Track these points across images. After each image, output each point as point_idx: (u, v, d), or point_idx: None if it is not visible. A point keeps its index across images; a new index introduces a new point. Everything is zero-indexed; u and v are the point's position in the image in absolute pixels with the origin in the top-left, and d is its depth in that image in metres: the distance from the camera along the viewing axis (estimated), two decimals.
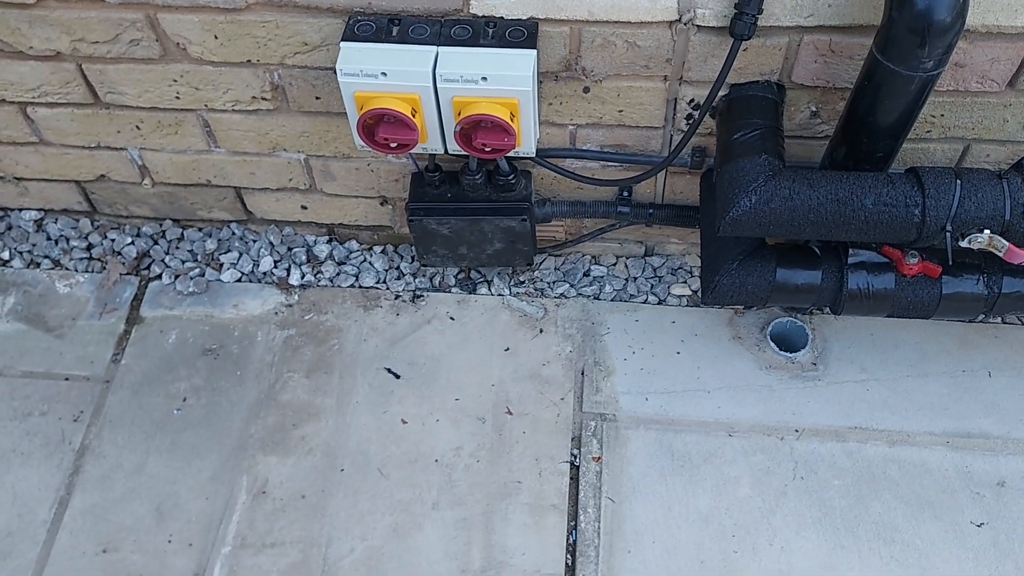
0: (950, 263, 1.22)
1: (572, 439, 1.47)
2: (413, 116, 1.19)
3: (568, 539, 1.37)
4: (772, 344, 1.54)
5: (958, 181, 1.16)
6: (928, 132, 1.33)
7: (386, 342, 1.58)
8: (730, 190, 1.20)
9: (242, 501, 1.43)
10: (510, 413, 1.49)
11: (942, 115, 1.30)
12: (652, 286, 1.64)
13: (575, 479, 1.43)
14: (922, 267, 1.29)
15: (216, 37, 1.29)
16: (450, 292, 1.64)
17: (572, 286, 1.63)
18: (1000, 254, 1.17)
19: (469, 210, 1.43)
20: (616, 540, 1.37)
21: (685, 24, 1.19)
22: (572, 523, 1.39)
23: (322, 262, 1.67)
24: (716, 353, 1.55)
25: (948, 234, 1.16)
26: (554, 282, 1.64)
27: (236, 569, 1.37)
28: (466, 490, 1.43)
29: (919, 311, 1.33)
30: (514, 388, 1.52)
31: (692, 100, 1.31)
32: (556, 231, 1.61)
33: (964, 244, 1.18)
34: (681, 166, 1.43)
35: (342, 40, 1.20)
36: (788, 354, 1.53)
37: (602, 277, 1.64)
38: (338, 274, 1.65)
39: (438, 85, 1.17)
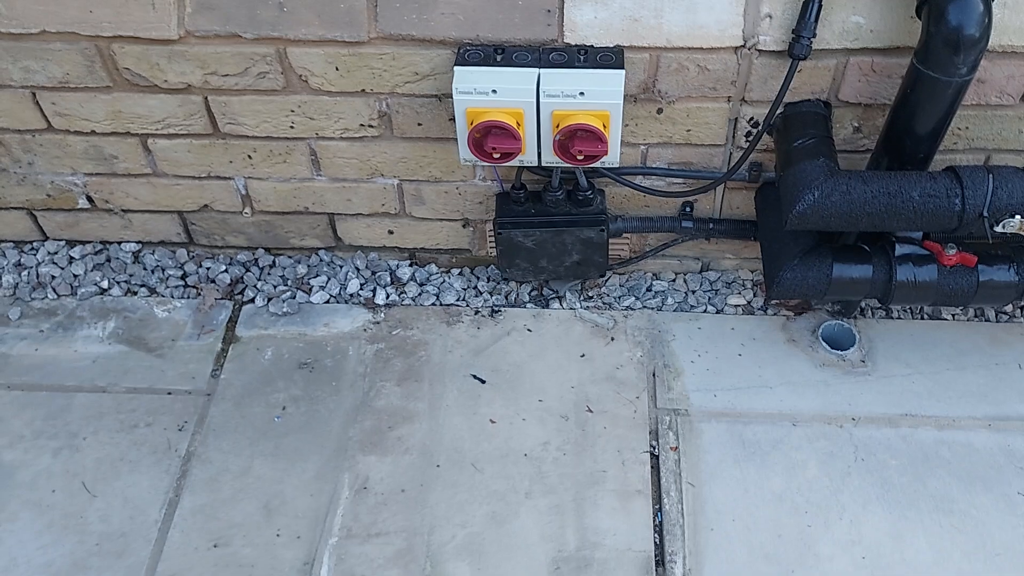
0: (991, 242, 1.37)
1: (650, 432, 1.57)
2: (518, 128, 1.35)
3: (655, 520, 1.46)
4: (824, 344, 1.68)
5: (990, 175, 1.33)
6: (955, 144, 1.51)
7: (470, 352, 1.70)
8: (795, 189, 1.37)
9: (345, 496, 1.50)
10: (590, 411, 1.60)
11: (967, 127, 1.48)
12: (710, 298, 1.78)
13: (656, 467, 1.53)
14: (960, 258, 1.45)
15: (337, 69, 1.46)
16: (525, 307, 1.77)
17: (637, 298, 1.77)
18: None
19: (552, 223, 1.58)
20: (699, 520, 1.46)
21: (749, 49, 1.39)
22: (657, 506, 1.48)
23: (405, 283, 1.79)
24: (774, 354, 1.68)
25: (985, 220, 1.33)
26: (620, 296, 1.78)
27: (344, 557, 1.43)
28: (556, 480, 1.52)
29: (959, 299, 1.48)
30: (592, 389, 1.63)
31: (751, 118, 1.49)
32: (621, 250, 1.76)
33: (999, 229, 1.34)
34: (739, 180, 1.59)
35: (455, 65, 1.37)
36: (839, 353, 1.67)
37: (664, 291, 1.78)
38: (420, 294, 1.78)
39: (541, 100, 1.34)
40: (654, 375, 1.65)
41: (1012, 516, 1.45)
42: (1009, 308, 1.74)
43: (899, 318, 1.74)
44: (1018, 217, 1.33)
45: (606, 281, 1.80)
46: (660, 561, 1.41)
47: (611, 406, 1.61)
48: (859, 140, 1.52)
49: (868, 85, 1.42)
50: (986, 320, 1.73)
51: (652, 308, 1.76)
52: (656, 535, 1.45)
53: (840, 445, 1.55)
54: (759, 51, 1.39)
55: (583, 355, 1.69)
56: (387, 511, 1.49)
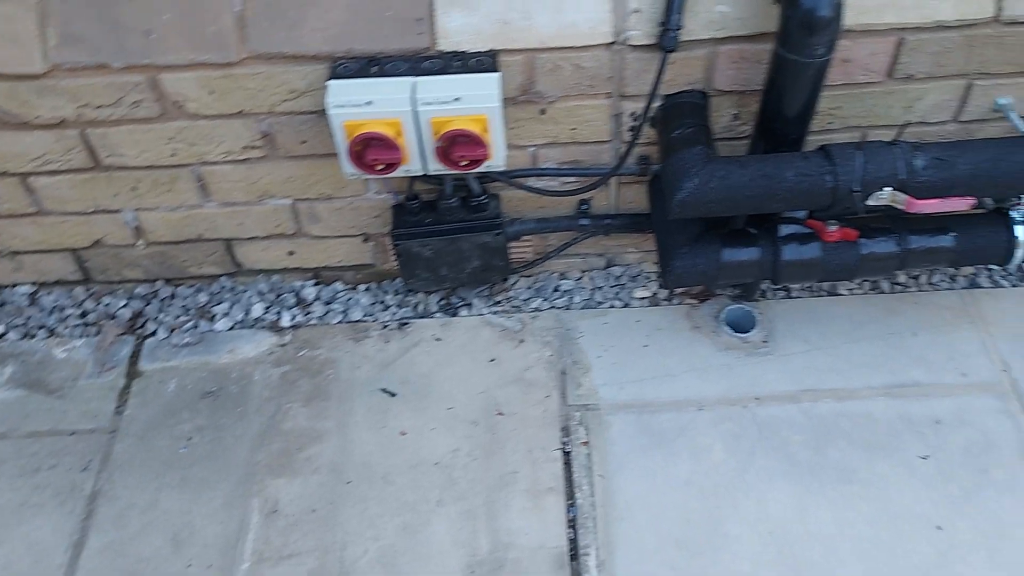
0: (863, 215, 1.42)
1: (561, 429, 1.58)
2: (396, 138, 1.35)
3: (567, 515, 1.46)
4: (727, 328, 1.71)
5: (860, 151, 1.37)
6: (830, 123, 1.55)
7: (378, 367, 1.68)
8: (675, 177, 1.39)
9: (255, 521, 1.48)
10: (501, 414, 1.60)
11: (840, 107, 1.52)
12: (616, 292, 1.79)
13: (567, 463, 1.53)
14: (842, 234, 1.48)
15: (211, 92, 1.44)
16: (433, 317, 1.76)
17: (545, 299, 1.77)
18: (902, 207, 1.38)
19: (448, 231, 1.58)
20: (610, 511, 1.47)
21: (620, 44, 1.40)
22: (569, 501, 1.48)
23: (310, 304, 1.77)
24: (679, 343, 1.70)
25: (857, 194, 1.36)
26: (528, 299, 1.78)
27: None
28: (467, 486, 1.51)
29: (844, 273, 1.52)
30: (502, 392, 1.63)
31: (633, 113, 1.51)
32: (525, 252, 1.76)
33: (872, 202, 1.38)
34: (630, 175, 1.61)
35: (329, 79, 1.36)
36: (741, 335, 1.70)
37: (570, 290, 1.79)
38: (327, 313, 1.76)
39: (417, 108, 1.34)
40: (563, 373, 1.66)
41: (911, 480, 1.49)
42: (903, 278, 1.79)
43: (799, 297, 1.77)
44: (888, 189, 1.37)
45: (513, 285, 1.80)
46: (574, 555, 1.42)
47: (521, 407, 1.61)
48: (739, 127, 1.55)
49: (740, 72, 1.46)
50: (881, 292, 1.77)
51: (560, 308, 1.77)
52: (569, 530, 1.45)
53: (744, 426, 1.57)
54: (630, 46, 1.41)
55: (492, 360, 1.68)
56: (298, 532, 1.46)
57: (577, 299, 1.77)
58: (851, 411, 1.58)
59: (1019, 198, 1.47)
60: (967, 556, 1.40)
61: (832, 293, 1.78)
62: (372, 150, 1.36)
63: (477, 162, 1.39)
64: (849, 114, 1.53)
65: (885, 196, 1.37)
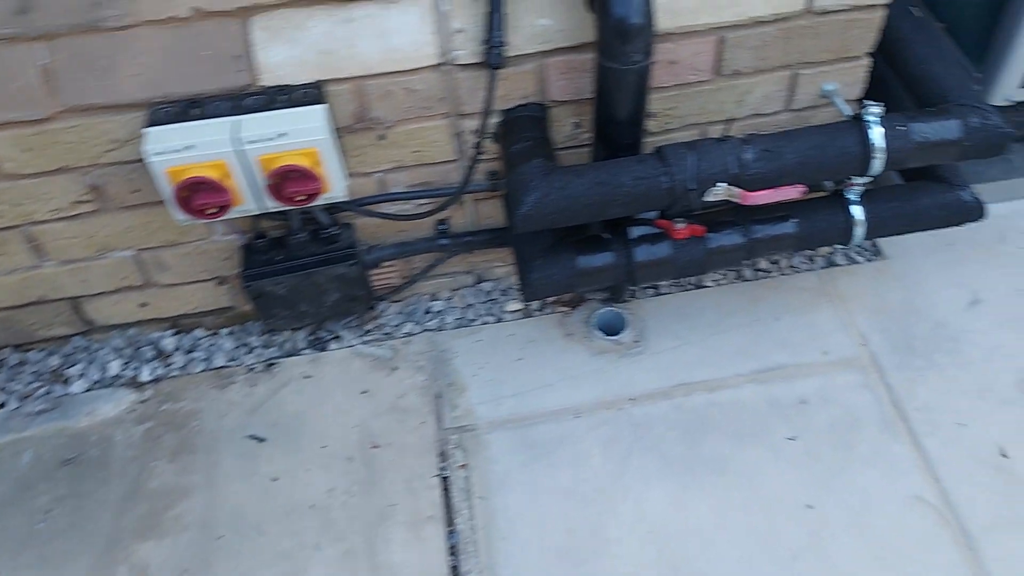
0: (697, 213, 1.46)
1: (438, 455, 1.57)
2: (223, 180, 1.32)
3: (448, 543, 1.45)
4: (599, 333, 1.73)
5: (692, 150, 1.41)
6: (669, 124, 1.59)
7: (246, 412, 1.64)
8: (516, 192, 1.40)
9: None
10: (377, 447, 1.58)
11: (675, 107, 1.56)
12: (489, 308, 1.79)
13: (446, 489, 1.52)
14: (690, 230, 1.52)
15: (28, 150, 1.37)
16: (302, 354, 1.73)
17: (417, 323, 1.76)
18: (738, 200, 1.42)
19: (300, 266, 1.55)
20: (492, 532, 1.46)
21: (448, 65, 1.41)
22: (450, 528, 1.47)
23: (171, 355, 1.72)
24: (553, 352, 1.72)
25: (692, 192, 1.40)
26: (399, 324, 1.77)
27: None
28: (346, 525, 1.48)
29: (696, 268, 1.55)
30: (376, 424, 1.61)
31: (474, 130, 1.51)
32: (390, 277, 1.75)
33: (709, 199, 1.42)
34: (483, 191, 1.62)
35: (145, 127, 1.32)
36: (613, 338, 1.72)
37: (442, 311, 1.79)
38: (189, 362, 1.71)
39: (242, 148, 1.31)
40: (438, 397, 1.65)
41: (780, 462, 1.53)
42: (765, 264, 1.84)
43: (667, 293, 1.81)
44: (722, 184, 1.41)
45: (383, 311, 1.78)
46: None
47: (397, 437, 1.59)
48: (581, 134, 1.57)
49: (572, 82, 1.48)
50: (745, 280, 1.83)
51: (432, 330, 1.76)
52: (451, 557, 1.44)
53: (620, 428, 1.59)
54: (458, 65, 1.41)
55: (365, 391, 1.66)
56: None
57: (449, 319, 1.77)
58: (722, 401, 1.62)
59: (851, 179, 1.54)
60: (837, 532, 1.45)
61: (699, 286, 1.82)
62: (200, 195, 1.32)
63: (313, 196, 1.37)
64: (685, 113, 1.57)
65: (720, 191, 1.41)
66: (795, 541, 1.44)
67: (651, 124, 1.57)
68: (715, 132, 1.62)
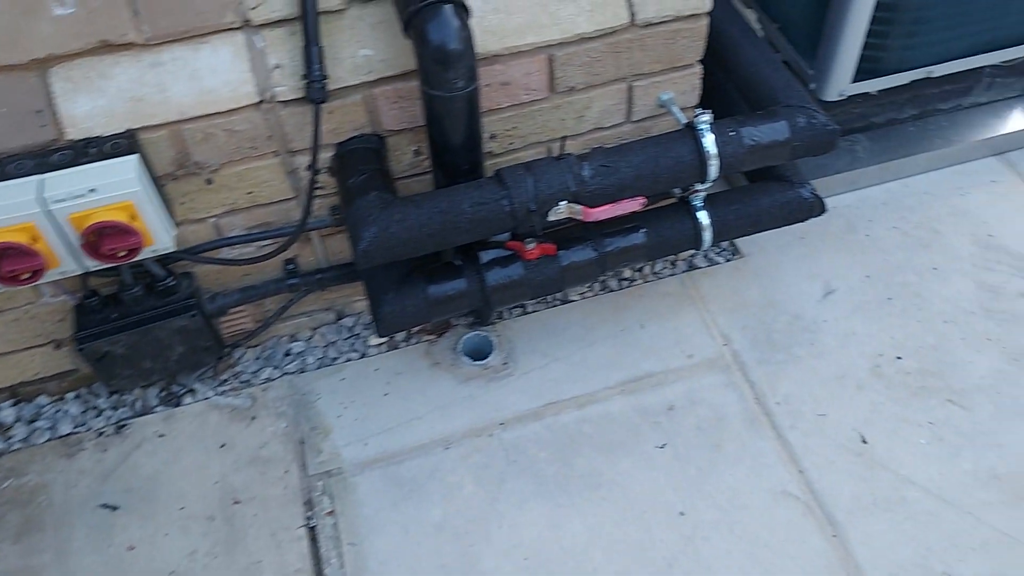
0: (540, 233, 1.47)
1: (304, 504, 1.52)
2: (34, 243, 1.25)
3: None
4: (466, 359, 1.71)
5: (530, 172, 1.41)
6: (512, 144, 1.59)
7: (97, 480, 1.56)
8: (355, 228, 1.37)
9: None
10: (238, 503, 1.52)
11: (515, 127, 1.56)
12: (352, 344, 1.76)
13: (314, 539, 1.48)
14: (541, 249, 1.52)
15: None
16: (155, 412, 1.65)
17: (276, 367, 1.71)
18: (581, 217, 1.43)
19: (136, 322, 1.48)
20: None
21: (269, 103, 1.37)
22: None
23: (10, 427, 1.62)
24: (420, 383, 1.69)
25: (534, 213, 1.40)
26: (257, 370, 1.71)
27: None
28: None
29: (552, 286, 1.56)
30: (237, 478, 1.56)
31: (308, 166, 1.48)
32: (243, 322, 1.69)
33: (553, 218, 1.42)
34: (327, 227, 1.58)
35: None
36: (480, 363, 1.71)
37: (302, 351, 1.74)
38: (32, 433, 1.61)
39: (49, 208, 1.24)
40: (302, 443, 1.61)
41: (652, 471, 1.55)
42: (629, 273, 1.87)
43: (534, 311, 1.81)
44: (563, 203, 1.41)
45: (240, 358, 1.72)
46: None
47: (260, 490, 1.54)
48: (422, 162, 1.55)
49: (405, 111, 1.46)
50: (611, 291, 1.84)
51: (293, 373, 1.71)
52: None
53: (492, 454, 1.58)
54: (280, 102, 1.37)
55: (223, 445, 1.60)
56: None
57: (311, 359, 1.72)
58: (592, 416, 1.63)
59: (694, 186, 1.57)
60: (709, 535, 1.47)
61: (565, 300, 1.83)
62: (7, 260, 1.24)
63: (135, 251, 1.31)
64: (527, 132, 1.58)
65: (562, 210, 1.42)
66: (670, 549, 1.46)
67: (493, 145, 1.57)
68: (559, 149, 1.63)
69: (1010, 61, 1.98)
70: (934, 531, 1.45)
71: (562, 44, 1.46)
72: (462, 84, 1.31)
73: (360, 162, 1.44)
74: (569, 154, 1.44)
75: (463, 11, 1.29)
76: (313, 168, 1.41)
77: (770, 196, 1.62)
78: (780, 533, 1.47)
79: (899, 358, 1.68)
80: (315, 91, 1.33)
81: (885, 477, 1.52)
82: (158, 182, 1.39)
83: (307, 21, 1.30)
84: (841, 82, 1.78)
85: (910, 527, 1.46)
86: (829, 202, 1.97)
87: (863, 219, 1.93)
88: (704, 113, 1.47)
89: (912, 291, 1.79)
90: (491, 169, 1.59)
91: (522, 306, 1.81)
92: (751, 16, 1.99)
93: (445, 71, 1.28)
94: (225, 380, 1.69)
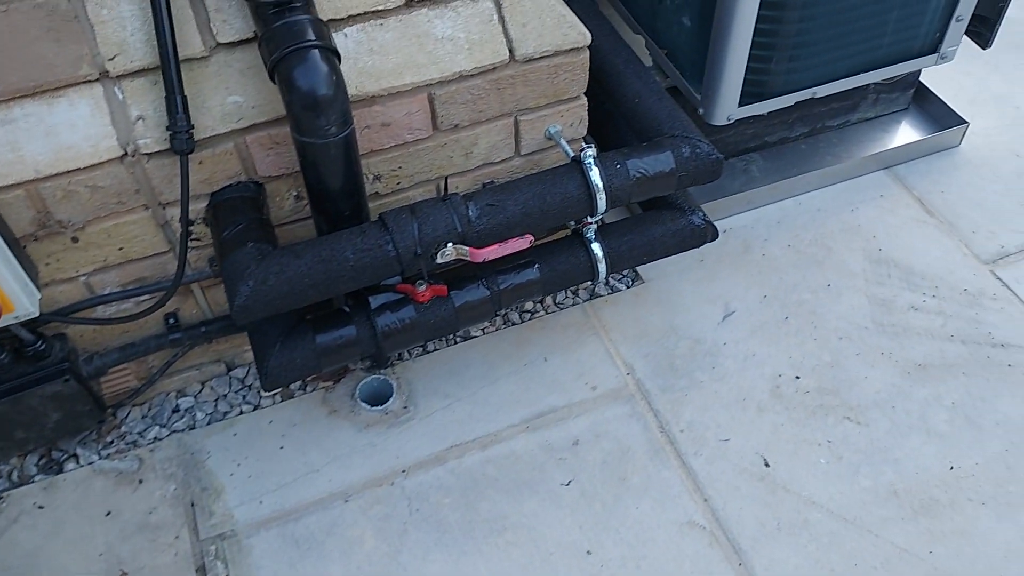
0: (427, 278, 1.45)
1: (196, 571, 1.46)
2: None
3: None
4: (364, 405, 1.68)
5: (413, 215, 1.39)
6: (399, 183, 1.57)
7: None
8: (231, 283, 1.32)
9: None
10: (126, 574, 1.45)
11: (400, 167, 1.54)
12: (244, 396, 1.70)
13: None
14: (432, 291, 1.50)
15: None
16: (34, 482, 1.57)
17: (163, 426, 1.64)
18: (469, 259, 1.41)
19: (4, 391, 1.40)
20: None
21: (133, 156, 1.31)
22: None
23: None
24: (318, 433, 1.65)
25: (421, 257, 1.38)
26: (144, 430, 1.64)
27: None
28: None
29: (446, 327, 1.54)
30: (124, 548, 1.48)
31: (180, 219, 1.42)
32: (126, 380, 1.62)
33: (440, 260, 1.40)
34: (208, 278, 1.53)
35: None
36: (379, 408, 1.67)
37: (192, 407, 1.68)
38: None
39: None
40: (192, 505, 1.54)
41: (558, 510, 1.54)
42: (530, 305, 1.86)
43: (435, 350, 1.79)
44: (450, 245, 1.40)
45: (125, 418, 1.65)
46: None
47: (149, 558, 1.47)
48: (305, 207, 1.52)
49: (281, 157, 1.42)
50: (513, 324, 1.83)
51: (182, 430, 1.64)
52: None
53: (394, 504, 1.55)
54: (145, 155, 1.32)
55: (109, 513, 1.53)
56: None
57: (200, 415, 1.66)
58: (496, 456, 1.61)
59: (586, 219, 1.57)
60: (617, 572, 1.46)
61: (467, 337, 1.81)
62: None
63: None
64: (414, 171, 1.56)
65: (450, 252, 1.40)
66: None
67: (379, 186, 1.55)
68: (452, 184, 1.62)
69: (892, 78, 2.05)
70: (836, 552, 1.48)
71: (442, 83, 1.45)
72: (335, 130, 1.28)
73: (236, 212, 1.40)
74: (455, 194, 1.43)
75: (332, 55, 1.26)
76: (185, 221, 1.36)
77: (663, 225, 1.63)
78: (687, 566, 1.47)
79: (797, 377, 1.72)
80: (180, 142, 1.29)
81: (788, 500, 1.55)
82: (18, 244, 1.32)
83: (168, 70, 1.26)
84: (728, 107, 1.81)
85: (814, 550, 1.48)
86: (726, 223, 2.01)
87: (759, 238, 1.97)
88: (589, 147, 1.47)
89: (808, 309, 1.83)
90: (377, 211, 1.57)
91: (422, 345, 1.79)
92: (640, 41, 2.01)
93: (316, 117, 1.25)
94: (110, 442, 1.62)
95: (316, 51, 1.24)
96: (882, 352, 1.75)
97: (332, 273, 1.35)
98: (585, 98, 1.60)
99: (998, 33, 1.97)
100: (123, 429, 1.63)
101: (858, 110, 2.17)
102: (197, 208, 1.42)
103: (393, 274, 1.40)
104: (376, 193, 1.55)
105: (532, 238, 1.46)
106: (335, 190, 1.37)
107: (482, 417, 1.67)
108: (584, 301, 1.87)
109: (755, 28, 1.70)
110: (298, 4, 1.26)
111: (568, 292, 1.88)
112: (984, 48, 2.02)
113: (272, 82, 1.28)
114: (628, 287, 1.89)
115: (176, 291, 1.46)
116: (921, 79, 2.19)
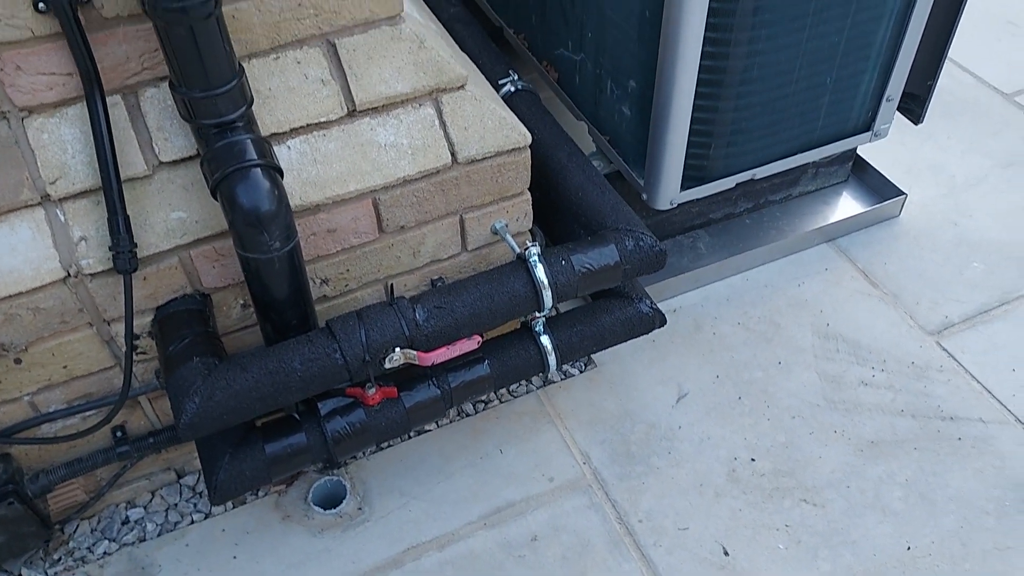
0: (376, 381, 1.48)
1: None
2: None
3: None
4: (317, 508, 1.69)
5: (360, 321, 1.42)
6: (348, 285, 1.61)
7: None
8: (176, 400, 1.34)
9: None
10: None
11: (348, 270, 1.58)
12: (195, 504, 1.70)
13: None
14: (382, 393, 1.53)
15: None
16: None
17: (113, 540, 1.63)
18: (417, 363, 1.45)
19: None
20: None
21: (76, 277, 1.34)
22: None
23: None
24: (271, 541, 1.65)
25: (369, 363, 1.41)
26: (93, 544, 1.63)
27: None
28: None
29: (397, 429, 1.56)
30: None
31: (126, 334, 1.44)
32: (73, 495, 1.61)
33: (389, 366, 1.44)
34: (154, 390, 1.54)
35: None
36: (333, 511, 1.68)
37: (141, 518, 1.67)
38: None
39: None
40: None
41: None
42: (486, 397, 1.89)
43: (389, 446, 1.81)
44: (398, 350, 1.43)
45: (74, 532, 1.64)
46: None
47: None
48: (251, 315, 1.55)
49: (226, 268, 1.46)
50: (467, 415, 1.86)
51: (132, 543, 1.64)
52: None
53: None
54: (89, 275, 1.35)
55: None
56: None
57: (151, 526, 1.66)
58: (455, 556, 1.63)
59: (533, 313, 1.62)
60: None
61: (421, 431, 1.84)
62: None
63: None
64: (361, 273, 1.60)
65: (398, 357, 1.43)
66: None
67: (327, 289, 1.58)
68: (400, 284, 1.66)
69: (829, 156, 2.16)
70: None
71: (386, 188, 1.50)
72: (279, 245, 1.32)
73: (181, 326, 1.42)
74: (402, 297, 1.47)
75: (274, 172, 1.31)
76: (129, 339, 1.38)
77: (611, 314, 1.69)
78: None
79: (753, 459, 1.76)
80: (123, 262, 1.31)
81: None
82: None
83: (110, 193, 1.29)
84: (670, 192, 1.89)
85: None
86: (676, 301, 2.08)
87: (709, 317, 2.04)
88: (534, 245, 1.53)
89: (760, 388, 1.88)
90: (326, 313, 1.61)
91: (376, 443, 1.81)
92: (584, 127, 2.10)
93: (259, 234, 1.29)
94: (57, 560, 1.60)
95: (258, 169, 1.28)
96: (835, 430, 1.80)
97: (280, 385, 1.38)
98: (529, 193, 1.67)
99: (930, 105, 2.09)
100: (71, 545, 1.62)
101: (799, 184, 2.27)
102: (142, 322, 1.45)
103: (342, 382, 1.43)
104: (324, 296, 1.59)
105: (480, 339, 1.50)
106: (281, 301, 1.40)
107: (439, 515, 1.68)
108: (538, 388, 1.91)
109: (692, 117, 1.79)
110: (239, 124, 1.30)
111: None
112: (916, 124, 2.14)
113: (215, 199, 1.32)
114: (581, 371, 1.94)
115: (122, 407, 1.47)
116: (859, 152, 2.31)
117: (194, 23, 1.18)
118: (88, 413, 1.51)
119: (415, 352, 1.44)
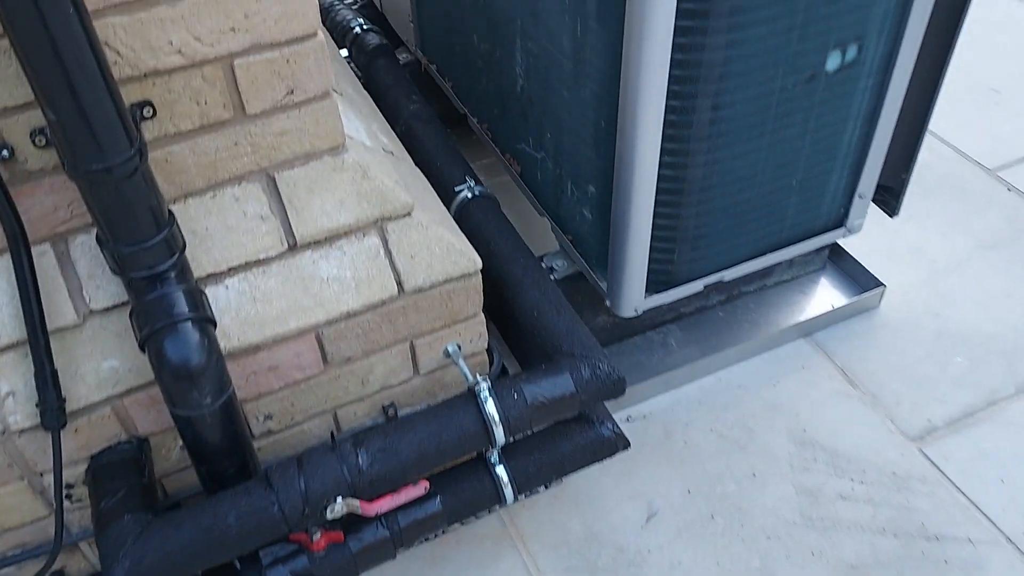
0: (317, 537, 1.45)
1: None
2: None
3: None
4: None
5: (300, 468, 1.39)
6: (294, 418, 1.58)
7: None
8: (106, 562, 1.31)
9: None
10: None
11: (293, 404, 1.56)
12: None
13: None
14: (327, 538, 1.49)
15: None
16: None
17: None
18: (360, 512, 1.42)
19: None
20: None
21: (3, 434, 1.32)
22: None
23: None
24: None
25: (308, 515, 1.38)
26: None
27: None
28: None
29: (347, 573, 1.52)
30: None
31: (57, 486, 1.42)
32: None
33: (331, 516, 1.40)
34: (92, 536, 1.51)
35: None
36: None
37: None
38: None
39: None
40: None
41: None
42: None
43: None
44: (339, 499, 1.40)
45: None
46: None
47: None
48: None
49: (162, 414, 1.43)
50: (426, 540, 1.82)
51: None
52: None
53: None
54: (17, 431, 1.32)
55: None
56: None
57: None
58: None
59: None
60: None
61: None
62: None
63: None
64: (307, 406, 1.57)
65: (340, 508, 1.40)
66: None
67: (271, 424, 1.56)
68: (348, 414, 1.63)
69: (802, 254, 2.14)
70: None
71: (330, 323, 1.48)
72: (210, 400, 1.30)
73: (115, 477, 1.39)
74: (344, 440, 1.44)
75: (207, 324, 1.29)
76: (59, 495, 1.35)
77: (571, 440, 1.65)
78: None
79: None
80: (51, 419, 1.29)
81: None
82: None
83: (36, 347, 1.28)
84: (635, 299, 1.86)
85: None
86: (646, 406, 2.04)
87: (680, 423, 2.00)
88: (483, 380, 1.50)
89: (733, 504, 1.84)
90: (271, 448, 1.58)
91: None
92: (547, 224, 2.08)
93: (190, 391, 1.27)
94: None
95: (188, 323, 1.26)
96: (812, 551, 1.76)
97: (215, 542, 1.34)
98: (483, 315, 1.64)
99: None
100: None
101: (774, 274, 2.24)
102: (76, 472, 1.42)
103: (281, 535, 1.39)
104: (269, 431, 1.56)
105: (428, 484, 1.47)
106: (217, 454, 1.38)
107: None
108: (500, 508, 1.87)
109: (654, 223, 1.77)
110: (171, 274, 1.28)
111: None
112: (892, 216, 2.12)
113: (143, 353, 1.30)
114: (546, 487, 1.90)
115: (56, 558, 1.44)
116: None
117: (118, 182, 1.17)
118: (24, 563, 1.48)
119: (358, 502, 1.41)
